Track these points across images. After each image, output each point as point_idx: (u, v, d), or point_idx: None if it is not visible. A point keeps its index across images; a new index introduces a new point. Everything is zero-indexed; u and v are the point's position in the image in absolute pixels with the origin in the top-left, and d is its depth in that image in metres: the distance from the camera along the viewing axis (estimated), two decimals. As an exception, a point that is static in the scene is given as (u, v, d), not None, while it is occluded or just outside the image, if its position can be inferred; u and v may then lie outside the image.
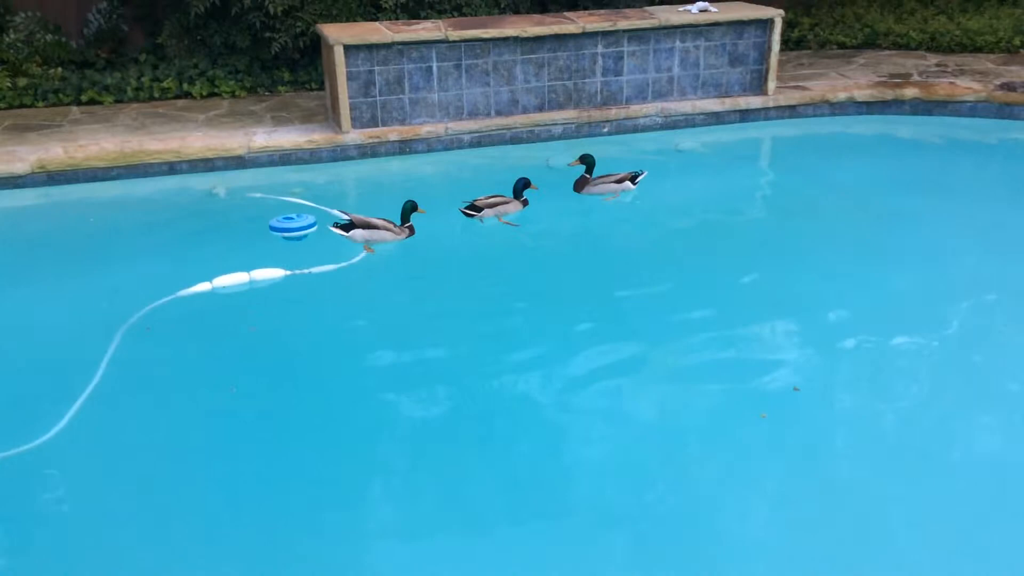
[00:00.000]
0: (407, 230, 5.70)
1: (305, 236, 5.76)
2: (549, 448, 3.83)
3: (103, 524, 3.39)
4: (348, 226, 5.63)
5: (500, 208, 6.02)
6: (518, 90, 7.63)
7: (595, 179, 6.49)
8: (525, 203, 6.14)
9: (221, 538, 3.33)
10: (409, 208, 5.70)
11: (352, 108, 7.22)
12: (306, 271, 5.21)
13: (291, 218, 5.85)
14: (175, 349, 4.53)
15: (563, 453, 3.81)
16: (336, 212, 5.99)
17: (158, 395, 4.16)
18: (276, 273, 5.18)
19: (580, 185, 6.48)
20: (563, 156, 7.08)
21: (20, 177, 6.64)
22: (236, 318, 4.82)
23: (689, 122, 7.99)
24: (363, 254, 5.48)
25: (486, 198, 6.05)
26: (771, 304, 4.94)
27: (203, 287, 5.00)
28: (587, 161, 6.49)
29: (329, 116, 7.61)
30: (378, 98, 7.28)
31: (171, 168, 6.93)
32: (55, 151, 6.86)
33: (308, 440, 3.84)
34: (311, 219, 5.86)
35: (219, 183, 6.76)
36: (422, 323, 4.80)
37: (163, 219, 6.20)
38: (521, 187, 6.12)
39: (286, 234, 5.76)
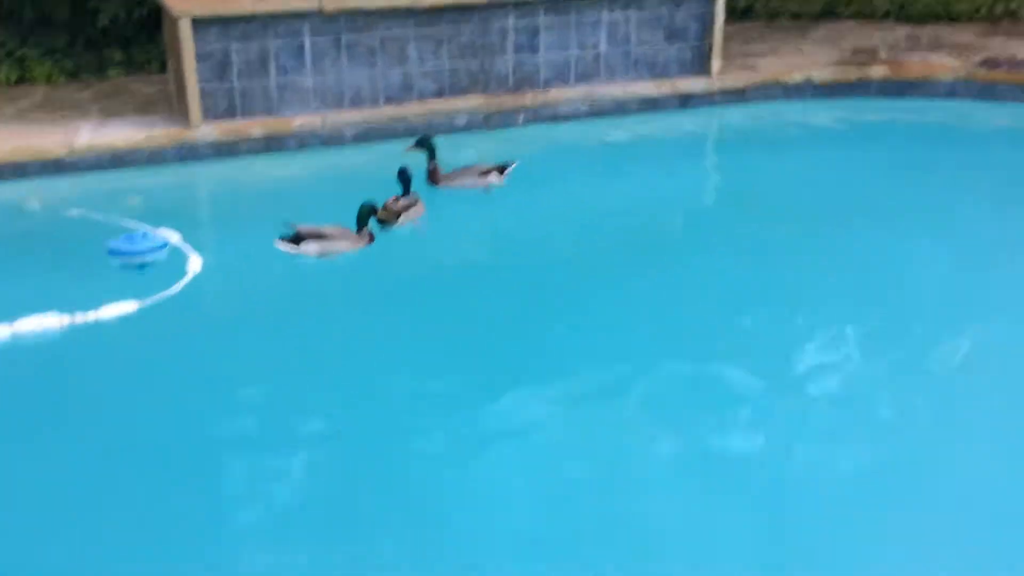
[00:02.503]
0: (366, 237, 5.72)
1: (152, 261, 5.58)
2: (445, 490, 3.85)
3: None
4: (295, 238, 5.58)
5: (329, 245, 5.72)
6: (412, 73, 7.60)
7: (454, 170, 6.59)
8: (370, 239, 5.80)
9: None
10: (367, 211, 5.71)
11: (203, 96, 7.08)
12: (91, 316, 4.97)
13: (132, 239, 5.67)
14: None
15: (482, 486, 3.86)
16: (163, 232, 5.81)
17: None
18: (50, 321, 4.90)
19: (435, 177, 6.56)
20: (454, 152, 7.06)
21: None
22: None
23: (620, 109, 8.07)
24: (183, 283, 5.32)
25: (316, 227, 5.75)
26: (708, 332, 5.01)
27: None
28: (427, 146, 6.52)
29: (174, 106, 7.45)
30: (236, 83, 7.16)
31: (-31, 175, 6.68)
32: None
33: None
34: (163, 238, 5.70)
35: (33, 194, 6.54)
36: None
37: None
38: (367, 213, 5.77)
39: (128, 258, 5.57)
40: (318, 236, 5.64)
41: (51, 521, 3.72)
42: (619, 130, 7.93)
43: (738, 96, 8.36)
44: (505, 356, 4.80)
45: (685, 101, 8.25)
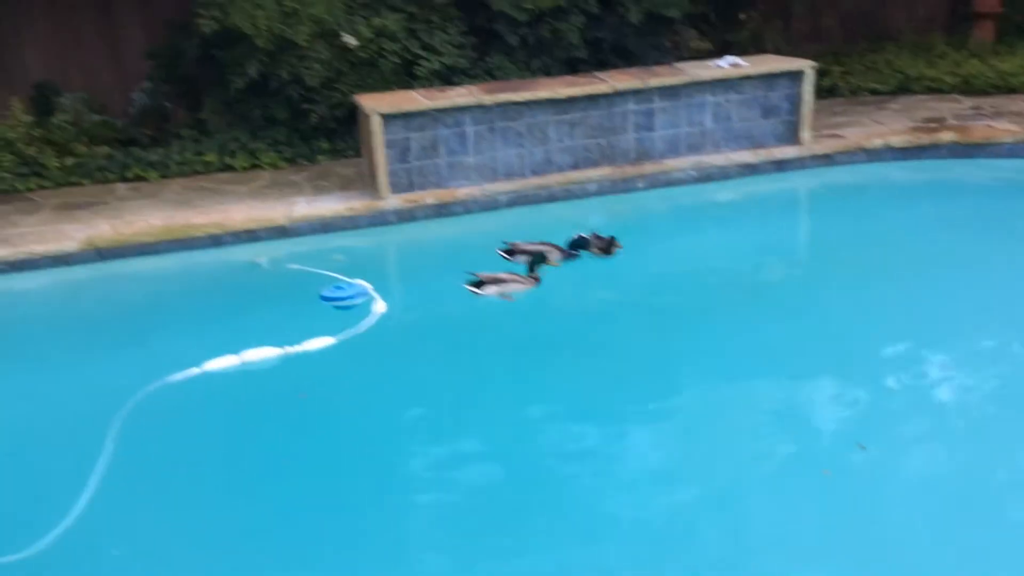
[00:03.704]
0: (533, 280, 5.93)
1: (356, 306, 5.80)
2: (597, 508, 3.81)
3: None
4: (478, 284, 5.87)
5: (506, 287, 5.89)
6: (552, 150, 7.74)
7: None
8: (537, 281, 5.95)
9: None
10: (538, 260, 6.00)
11: (390, 174, 7.37)
12: (299, 348, 5.16)
13: (341, 287, 5.93)
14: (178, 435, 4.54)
15: (614, 515, 3.80)
16: (360, 281, 6.03)
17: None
18: (268, 352, 5.12)
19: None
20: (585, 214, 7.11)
21: (70, 255, 6.84)
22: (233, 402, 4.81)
23: (723, 174, 8.02)
24: (370, 322, 5.51)
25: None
26: (825, 357, 4.90)
27: (194, 371, 4.98)
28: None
29: (367, 183, 7.76)
30: (414, 163, 7.43)
31: (215, 240, 7.09)
32: (103, 228, 7.07)
33: (332, 539, 3.76)
34: (362, 287, 5.94)
35: (262, 253, 6.89)
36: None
37: (209, 292, 6.34)
38: (538, 260, 6.05)
39: (337, 303, 5.82)
40: (495, 281, 5.87)
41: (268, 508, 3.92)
42: (724, 191, 7.86)
43: (826, 160, 8.20)
44: (638, 385, 4.77)
45: (780, 165, 8.14)
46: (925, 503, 3.69)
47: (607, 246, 6.42)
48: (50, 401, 4.94)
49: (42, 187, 8.25)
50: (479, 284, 5.87)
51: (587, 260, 6.36)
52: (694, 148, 8.07)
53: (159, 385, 4.87)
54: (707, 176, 8.02)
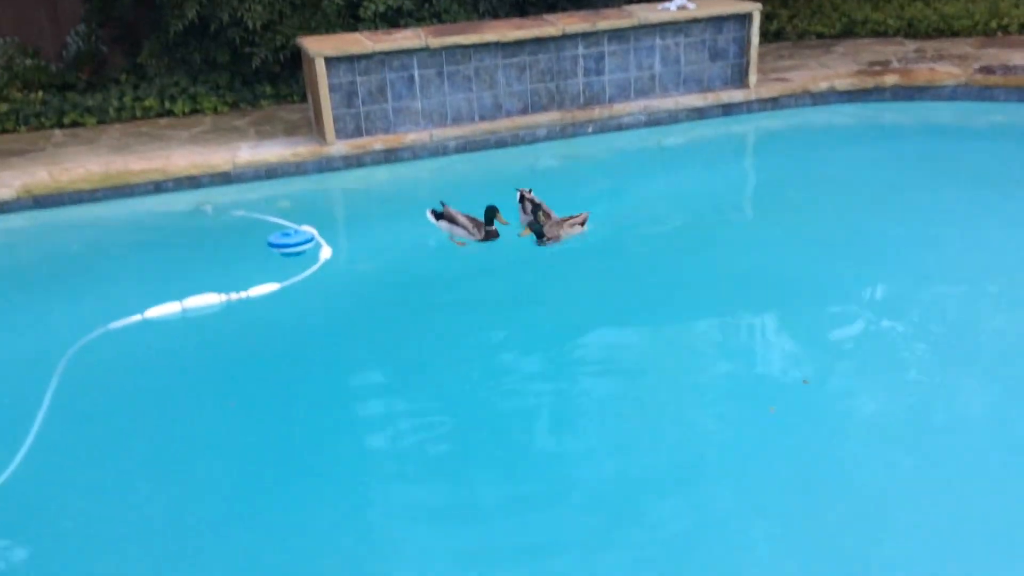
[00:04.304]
0: (484, 232, 5.67)
1: (303, 252, 5.71)
2: (548, 435, 3.85)
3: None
4: (439, 215, 5.79)
5: (454, 228, 5.76)
6: (501, 94, 7.64)
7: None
8: (489, 235, 5.70)
9: None
10: (490, 214, 5.67)
11: (336, 119, 7.22)
12: (244, 294, 5.06)
13: (287, 234, 5.82)
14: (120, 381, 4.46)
15: (564, 445, 3.82)
16: (306, 228, 5.93)
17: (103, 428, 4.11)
18: (211, 299, 5.02)
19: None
20: (536, 160, 7.05)
21: (6, 203, 6.62)
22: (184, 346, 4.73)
23: (673, 118, 8.00)
24: (315, 268, 5.43)
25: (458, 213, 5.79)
26: (769, 296, 4.94)
27: (135, 318, 4.87)
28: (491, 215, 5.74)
29: (313, 128, 7.60)
30: (361, 108, 7.28)
31: (157, 187, 6.91)
32: (40, 175, 6.84)
33: (270, 484, 3.71)
34: (309, 234, 5.84)
35: (206, 199, 6.74)
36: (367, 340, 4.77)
37: (152, 239, 6.20)
38: (490, 213, 5.72)
39: (284, 250, 5.72)
40: (451, 219, 5.75)
41: (216, 453, 3.88)
42: (672, 136, 7.85)
43: (772, 103, 8.22)
44: (582, 330, 4.75)
45: (727, 109, 8.13)
46: (870, 438, 3.74)
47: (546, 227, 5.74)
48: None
49: (-26, 134, 7.95)
50: (438, 216, 5.79)
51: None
52: (643, 92, 8.02)
53: (100, 333, 4.75)
54: (656, 120, 7.99)
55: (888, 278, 5.10)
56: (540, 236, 5.64)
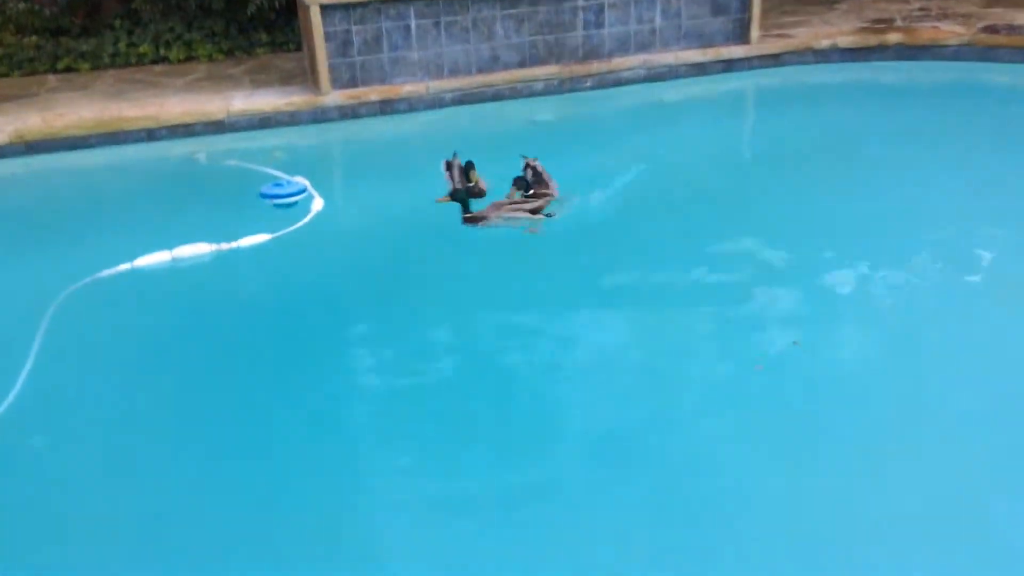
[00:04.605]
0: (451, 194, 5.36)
1: (296, 203, 5.67)
2: (542, 390, 3.86)
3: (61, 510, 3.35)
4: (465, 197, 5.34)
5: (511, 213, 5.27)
6: (499, 46, 7.53)
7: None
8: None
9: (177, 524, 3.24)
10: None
11: (331, 69, 7.13)
12: (235, 244, 5.03)
13: (280, 184, 5.78)
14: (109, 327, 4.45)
15: (554, 398, 3.83)
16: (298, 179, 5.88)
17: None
18: (201, 249, 4.99)
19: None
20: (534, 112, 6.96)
21: (-2, 148, 6.57)
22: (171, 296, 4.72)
23: (673, 73, 7.90)
24: (307, 219, 5.38)
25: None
26: (764, 256, 4.91)
27: (125, 266, 4.86)
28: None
29: (308, 78, 7.52)
30: (357, 58, 7.19)
31: (150, 134, 6.85)
32: (32, 121, 6.79)
33: (270, 418, 3.76)
34: (301, 184, 5.79)
35: (199, 148, 6.69)
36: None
37: (144, 187, 6.16)
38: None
39: (276, 201, 5.68)
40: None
41: (208, 402, 3.90)
42: (672, 91, 7.76)
43: (774, 60, 8.09)
44: (576, 285, 4.73)
45: (728, 65, 8.02)
46: (858, 398, 3.75)
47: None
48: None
49: (-33, 78, 7.87)
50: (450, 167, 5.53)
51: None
52: (643, 46, 7.90)
53: (89, 281, 4.74)
54: (656, 75, 7.88)
55: (881, 242, 5.05)
56: (464, 207, 5.20)
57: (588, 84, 7.75)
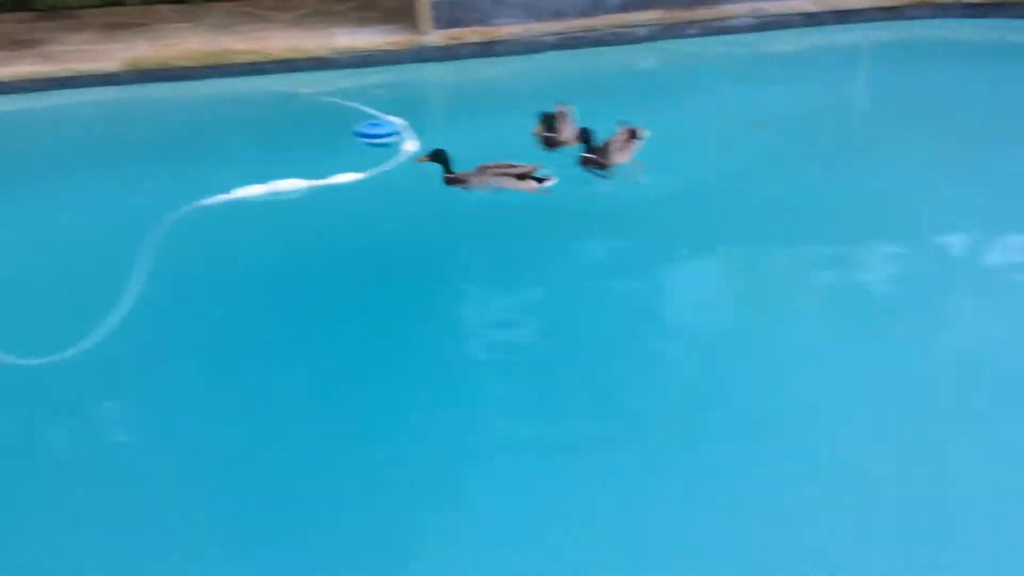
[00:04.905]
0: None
1: (389, 144, 5.73)
2: (639, 366, 3.80)
3: (149, 431, 3.51)
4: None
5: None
6: (603, -10, 7.38)
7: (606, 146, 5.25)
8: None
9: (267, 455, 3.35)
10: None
11: (433, 8, 7.12)
12: (328, 181, 5.13)
13: (376, 124, 5.83)
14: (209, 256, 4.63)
15: (655, 370, 3.78)
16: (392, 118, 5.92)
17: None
18: (296, 184, 5.12)
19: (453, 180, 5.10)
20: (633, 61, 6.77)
21: (112, 75, 6.81)
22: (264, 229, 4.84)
23: (782, 23, 7.60)
24: (399, 159, 5.41)
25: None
26: (876, 220, 4.72)
27: (224, 196, 5.01)
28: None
29: (410, 17, 7.51)
30: (459, -2, 7.16)
31: (255, 68, 7.00)
32: (145, 49, 7.00)
33: (348, 353, 3.85)
34: (396, 126, 5.84)
35: (302, 84, 6.79)
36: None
37: (245, 119, 6.31)
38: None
39: (370, 140, 5.75)
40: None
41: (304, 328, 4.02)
42: (783, 42, 7.47)
43: (894, 13, 7.69)
44: (678, 249, 4.60)
45: (842, 17, 7.66)
46: (952, 370, 3.63)
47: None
48: (88, 218, 5.05)
49: (88, 5, 8.14)
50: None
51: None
52: (753, -6, 7.63)
53: (189, 209, 4.92)
54: (765, 24, 7.61)
55: (998, 210, 4.79)
56: (446, 167, 5.03)
57: (692, 31, 7.53)
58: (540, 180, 5.00)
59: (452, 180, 5.04)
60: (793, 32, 7.60)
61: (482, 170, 5.03)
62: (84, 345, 3.84)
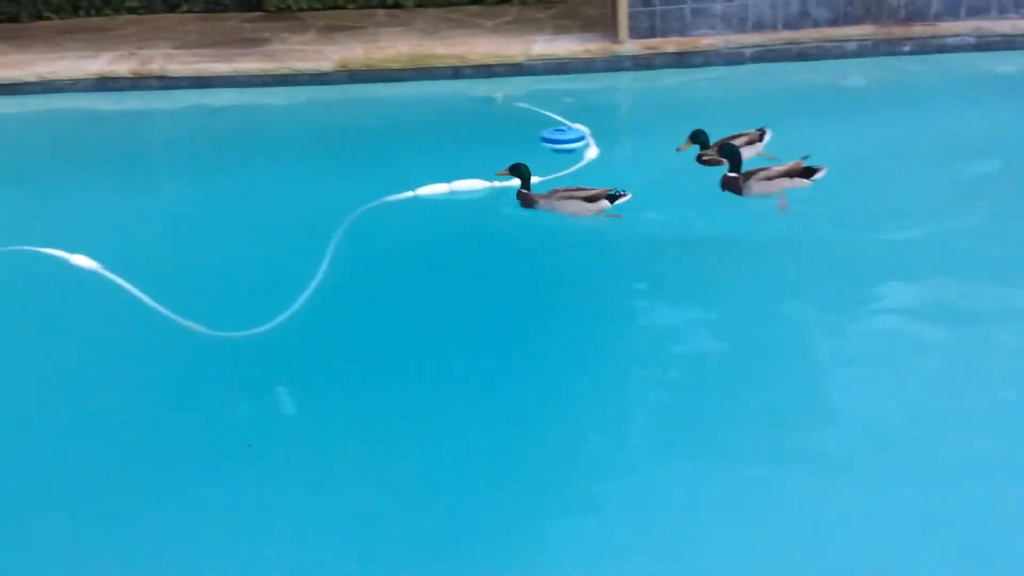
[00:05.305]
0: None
1: (574, 150, 5.78)
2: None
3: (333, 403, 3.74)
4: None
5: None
6: (809, 1, 7.11)
7: (753, 173, 5.01)
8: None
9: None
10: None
11: (631, 17, 7.12)
12: (507, 183, 5.15)
13: (562, 130, 5.92)
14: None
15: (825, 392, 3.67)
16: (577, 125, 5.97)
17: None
18: (477, 184, 5.27)
19: (732, 184, 4.96)
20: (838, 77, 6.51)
21: (326, 74, 7.29)
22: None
23: (1007, 44, 7.05)
24: (578, 166, 5.45)
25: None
26: None
27: (408, 193, 5.24)
28: (700, 140, 5.08)
29: (609, 26, 7.55)
30: (658, 7, 7.12)
31: (455, 72, 7.27)
32: (356, 51, 7.44)
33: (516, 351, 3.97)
34: (581, 132, 5.90)
35: (497, 89, 7.00)
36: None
37: (440, 121, 6.59)
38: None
39: (556, 146, 5.83)
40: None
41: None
42: (1008, 63, 6.92)
43: None
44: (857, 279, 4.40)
45: (1080, 39, 7.01)
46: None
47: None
48: (288, 206, 5.44)
49: (313, 8, 8.74)
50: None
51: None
52: (976, 11, 7.10)
53: (379, 203, 5.20)
54: (988, 44, 7.08)
55: None
56: (524, 184, 4.99)
57: (907, 48, 7.12)
58: (613, 199, 4.87)
59: (523, 200, 5.02)
60: (1019, 53, 7.02)
61: (552, 194, 4.99)
62: (269, 325, 4.14)
